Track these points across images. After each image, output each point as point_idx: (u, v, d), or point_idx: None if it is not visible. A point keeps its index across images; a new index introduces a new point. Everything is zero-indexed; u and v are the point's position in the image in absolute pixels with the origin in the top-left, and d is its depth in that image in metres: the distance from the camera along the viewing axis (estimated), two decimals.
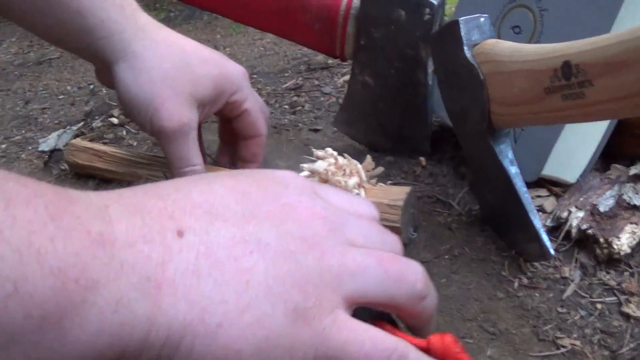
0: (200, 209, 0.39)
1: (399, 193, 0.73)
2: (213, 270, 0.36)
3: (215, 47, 1.70)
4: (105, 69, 0.76)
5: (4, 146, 1.14)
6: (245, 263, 0.38)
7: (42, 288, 0.30)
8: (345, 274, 0.40)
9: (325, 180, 0.73)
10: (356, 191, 0.72)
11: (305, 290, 0.38)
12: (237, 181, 0.44)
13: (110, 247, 0.33)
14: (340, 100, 0.98)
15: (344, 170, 0.74)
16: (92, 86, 1.45)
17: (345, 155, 0.77)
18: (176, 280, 0.35)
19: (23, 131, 1.21)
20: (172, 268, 0.35)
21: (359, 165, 0.76)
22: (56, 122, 1.24)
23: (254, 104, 0.81)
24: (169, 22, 2.98)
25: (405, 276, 0.42)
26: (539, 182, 0.79)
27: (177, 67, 0.74)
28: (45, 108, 1.35)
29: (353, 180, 0.72)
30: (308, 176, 0.74)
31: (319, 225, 0.42)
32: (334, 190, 0.50)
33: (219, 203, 0.40)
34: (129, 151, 0.90)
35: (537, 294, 0.66)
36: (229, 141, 0.87)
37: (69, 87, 1.49)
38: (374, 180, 0.78)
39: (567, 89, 0.57)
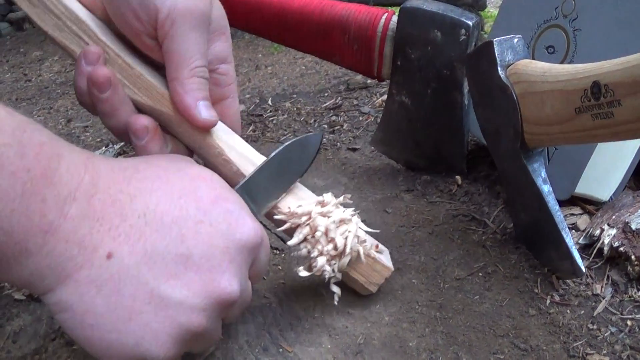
0: None
1: (379, 278, 0.67)
2: None
3: (257, 66, 1.73)
4: None
5: None
6: None
7: None
8: None
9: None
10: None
11: None
12: None
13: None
14: (379, 120, 0.99)
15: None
16: None
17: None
18: None
19: None
20: None
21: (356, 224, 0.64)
22: (98, 140, 1.26)
23: None
24: None
25: None
26: (573, 200, 0.79)
27: None
28: (87, 126, 1.37)
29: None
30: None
31: None
32: None
33: None
34: None
35: (568, 311, 0.66)
36: None
37: None
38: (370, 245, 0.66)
39: (597, 109, 0.58)
